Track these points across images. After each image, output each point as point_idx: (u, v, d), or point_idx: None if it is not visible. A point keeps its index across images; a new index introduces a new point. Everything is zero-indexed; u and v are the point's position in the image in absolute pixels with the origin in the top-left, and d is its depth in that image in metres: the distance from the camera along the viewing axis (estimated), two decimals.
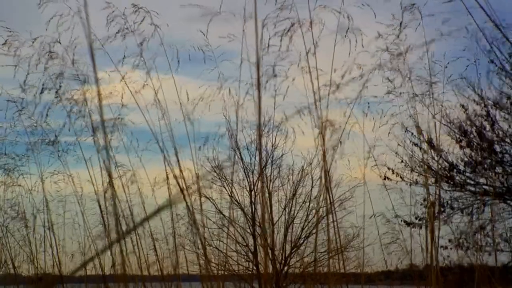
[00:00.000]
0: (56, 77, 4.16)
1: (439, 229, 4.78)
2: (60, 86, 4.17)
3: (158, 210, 2.32)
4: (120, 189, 4.65)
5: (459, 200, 10.09)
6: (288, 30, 3.79)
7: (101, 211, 4.60)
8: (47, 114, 4.24)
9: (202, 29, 4.14)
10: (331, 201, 4.18)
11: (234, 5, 3.76)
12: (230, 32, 3.89)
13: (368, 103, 4.42)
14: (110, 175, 3.71)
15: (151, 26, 4.16)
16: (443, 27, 4.08)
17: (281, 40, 3.88)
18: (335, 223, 4.26)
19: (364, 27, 3.98)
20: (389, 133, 4.95)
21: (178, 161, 4.19)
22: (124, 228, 4.48)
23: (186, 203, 3.94)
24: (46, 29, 3.93)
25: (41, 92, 4.19)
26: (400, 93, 4.53)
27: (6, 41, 4.20)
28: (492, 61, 8.34)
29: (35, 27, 4.20)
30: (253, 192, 10.09)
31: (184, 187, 3.84)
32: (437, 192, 6.11)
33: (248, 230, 10.23)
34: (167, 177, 4.26)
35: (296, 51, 3.90)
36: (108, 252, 4.96)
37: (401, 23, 4.15)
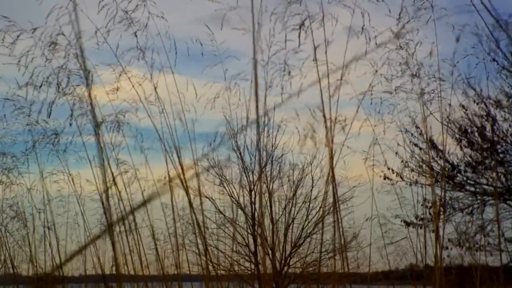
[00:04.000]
0: (59, 71, 4.10)
1: (443, 228, 4.76)
2: (63, 80, 4.11)
3: (147, 200, 2.29)
4: (122, 187, 4.60)
5: (459, 200, 10.08)
6: (300, 26, 3.76)
7: (104, 209, 4.55)
8: (50, 110, 4.18)
9: (209, 28, 4.11)
10: (336, 199, 4.15)
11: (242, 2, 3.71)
12: (236, 28, 3.84)
13: (376, 100, 4.40)
14: (112, 174, 3.67)
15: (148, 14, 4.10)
16: (454, 22, 4.05)
17: (285, 35, 3.85)
18: (338, 222, 4.23)
19: (373, 23, 3.94)
20: (400, 130, 4.92)
21: (180, 160, 4.16)
22: (123, 225, 4.44)
23: (190, 203, 3.91)
24: (45, 22, 3.87)
25: (48, 85, 4.11)
26: (409, 90, 4.51)
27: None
28: (494, 60, 8.31)
29: (35, 20, 4.13)
30: (253, 192, 10.05)
31: (185, 185, 3.81)
32: (441, 192, 6.09)
33: (248, 230, 10.20)
34: (169, 176, 4.23)
35: (305, 47, 3.87)
36: (109, 251, 4.93)
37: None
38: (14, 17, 4.04)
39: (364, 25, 3.83)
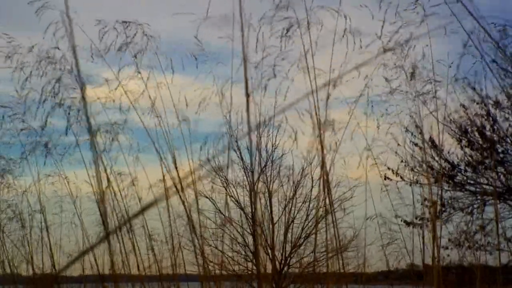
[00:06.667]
0: (55, 82, 4.14)
1: (441, 228, 4.76)
2: (59, 91, 4.15)
3: (146, 208, 2.29)
4: (117, 190, 4.61)
5: (459, 200, 10.05)
6: (287, 31, 3.78)
7: (100, 212, 4.57)
8: (46, 120, 4.24)
9: (197, 33, 4.14)
10: (331, 201, 4.15)
11: (230, 8, 3.72)
12: (226, 34, 3.85)
13: (372, 102, 4.40)
14: (107, 177, 3.69)
15: (145, 37, 4.17)
16: (447, 26, 4.03)
17: (281, 41, 3.86)
18: (335, 223, 4.23)
19: (366, 26, 3.95)
20: (387, 133, 4.94)
21: (175, 162, 4.17)
22: (118, 227, 4.45)
23: (183, 202, 3.92)
24: (43, 38, 3.94)
25: (42, 99, 4.15)
26: (405, 92, 4.51)
27: None
28: (493, 61, 8.27)
29: (34, 33, 4.21)
30: (253, 192, 10.04)
31: (180, 187, 3.82)
32: (438, 192, 6.09)
33: (248, 230, 10.21)
34: (164, 179, 4.25)
35: (295, 51, 3.89)
36: (107, 252, 4.93)
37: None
38: (16, 29, 4.11)
39: (352, 30, 3.84)
